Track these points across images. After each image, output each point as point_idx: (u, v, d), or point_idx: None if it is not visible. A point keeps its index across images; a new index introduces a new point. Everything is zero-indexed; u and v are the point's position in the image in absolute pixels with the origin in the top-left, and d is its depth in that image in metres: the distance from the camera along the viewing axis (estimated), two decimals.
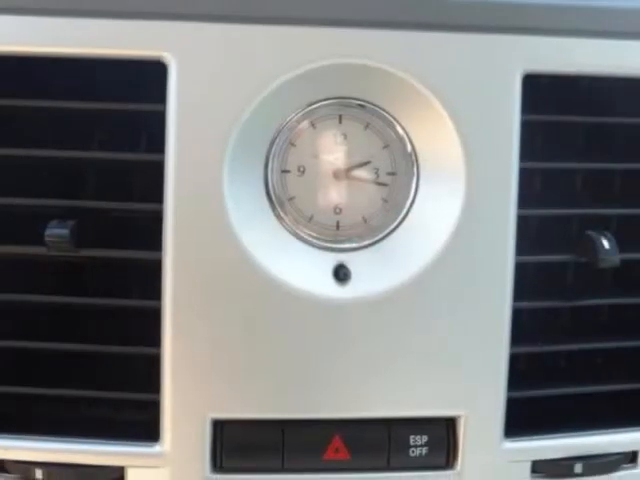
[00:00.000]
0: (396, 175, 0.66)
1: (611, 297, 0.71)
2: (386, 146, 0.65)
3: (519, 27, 0.64)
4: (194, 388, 0.64)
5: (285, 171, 0.65)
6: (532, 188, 0.68)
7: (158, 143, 0.62)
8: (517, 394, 0.67)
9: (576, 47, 0.64)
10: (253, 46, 0.62)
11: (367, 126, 0.65)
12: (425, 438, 0.66)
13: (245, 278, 0.63)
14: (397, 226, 0.66)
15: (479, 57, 0.63)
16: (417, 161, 0.65)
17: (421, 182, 0.65)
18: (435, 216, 0.65)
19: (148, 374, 0.64)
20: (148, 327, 0.64)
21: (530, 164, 0.66)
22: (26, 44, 0.61)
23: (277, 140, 0.64)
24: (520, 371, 0.68)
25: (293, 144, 0.65)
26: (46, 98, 0.63)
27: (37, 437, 0.64)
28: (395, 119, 0.65)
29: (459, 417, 0.66)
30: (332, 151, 0.65)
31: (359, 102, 0.65)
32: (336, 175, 0.65)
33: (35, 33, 0.61)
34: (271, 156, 0.64)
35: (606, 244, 0.65)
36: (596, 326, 0.72)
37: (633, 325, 0.70)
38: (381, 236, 0.66)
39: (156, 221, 0.62)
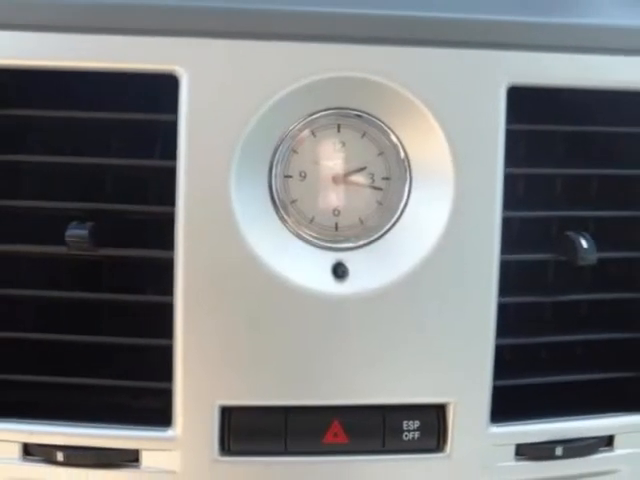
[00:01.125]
0: (390, 180, 0.66)
1: (589, 293, 0.71)
2: (381, 153, 0.65)
3: (504, 43, 0.64)
4: (204, 377, 0.64)
5: (288, 176, 0.65)
6: (516, 192, 0.69)
7: (170, 150, 0.62)
8: (502, 383, 0.67)
9: (556, 61, 0.65)
10: (258, 60, 0.62)
11: (364, 135, 0.65)
12: (417, 423, 0.66)
13: (251, 275, 0.63)
14: (391, 227, 0.66)
15: (467, 71, 0.64)
16: (410, 167, 0.65)
17: (413, 186, 0.66)
18: (426, 218, 0.65)
19: (161, 364, 0.64)
20: (161, 321, 0.63)
21: (514, 170, 0.66)
22: (52, 59, 0.61)
23: (280, 147, 0.64)
24: (505, 361, 0.68)
25: (295, 151, 0.65)
26: (70, 109, 0.63)
27: (59, 423, 0.64)
28: (389, 128, 0.65)
29: (448, 404, 0.66)
30: (331, 158, 0.65)
31: (356, 112, 0.65)
32: (335, 180, 0.65)
33: (60, 49, 0.61)
34: (275, 162, 0.64)
35: (584, 244, 0.66)
36: (575, 319, 0.72)
37: (609, 318, 0.71)
38: (376, 236, 0.66)
39: (168, 222, 0.62)
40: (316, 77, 0.62)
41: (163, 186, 0.63)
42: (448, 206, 0.64)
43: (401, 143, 0.65)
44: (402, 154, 0.65)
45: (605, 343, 0.71)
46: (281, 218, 0.65)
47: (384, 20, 0.63)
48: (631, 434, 0.70)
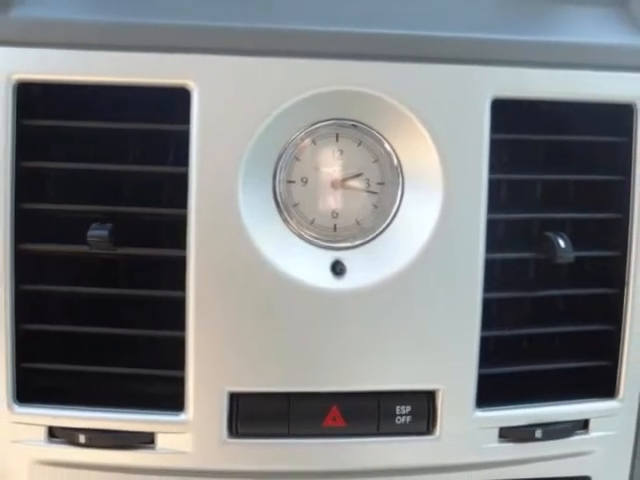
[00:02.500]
0: (384, 185, 0.67)
1: (566, 288, 0.72)
2: (376, 160, 0.66)
3: (489, 59, 0.65)
4: (213, 366, 0.64)
5: (290, 181, 0.66)
6: (500, 196, 0.69)
7: (183, 158, 0.63)
8: (487, 371, 0.68)
9: (537, 76, 0.66)
10: (263, 75, 0.63)
11: (360, 143, 0.66)
12: (409, 408, 0.66)
13: (256, 272, 0.63)
14: (385, 228, 0.67)
15: (455, 85, 0.64)
16: (402, 173, 0.66)
17: (405, 191, 0.66)
18: (417, 220, 0.66)
19: (174, 354, 0.64)
20: (174, 314, 0.64)
21: (498, 175, 0.66)
22: (76, 74, 0.62)
23: (284, 155, 0.65)
24: (490, 351, 0.68)
25: (297, 158, 0.66)
26: (92, 120, 0.64)
27: (81, 408, 0.65)
28: (384, 137, 0.66)
29: (438, 390, 0.67)
30: (330, 164, 0.66)
31: (353, 123, 0.65)
32: (333, 185, 0.66)
33: (83, 65, 0.62)
34: (279, 169, 0.65)
35: (562, 244, 0.67)
36: (554, 313, 0.73)
37: (585, 312, 0.72)
38: (372, 236, 0.67)
39: (181, 224, 0.63)
40: (317, 90, 0.63)
41: (176, 190, 0.64)
42: (437, 209, 0.65)
43: (394, 151, 0.66)
44: (395, 161, 0.66)
45: (581, 334, 0.72)
46: (284, 220, 0.66)
47: (379, 38, 0.64)
48: (605, 418, 0.71)
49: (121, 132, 0.65)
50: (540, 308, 0.73)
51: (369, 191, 0.67)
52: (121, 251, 0.64)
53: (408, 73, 0.64)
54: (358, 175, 0.67)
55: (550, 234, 0.68)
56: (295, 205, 0.66)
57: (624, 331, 0.70)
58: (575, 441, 0.71)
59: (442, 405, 0.67)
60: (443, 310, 0.66)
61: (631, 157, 0.69)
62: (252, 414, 0.66)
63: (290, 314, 0.65)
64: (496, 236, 0.68)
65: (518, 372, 0.70)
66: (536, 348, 0.73)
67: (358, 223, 0.67)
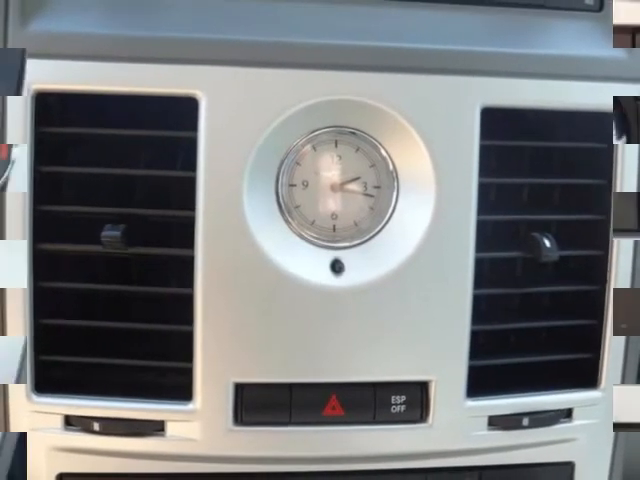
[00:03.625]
0: (381, 188, 0.68)
1: (551, 285, 0.73)
2: (373, 165, 0.67)
3: (479, 70, 0.66)
4: (220, 358, 0.65)
5: (292, 185, 0.67)
6: (489, 198, 0.70)
7: (191, 163, 0.64)
8: (477, 363, 0.69)
9: (524, 86, 0.67)
10: (267, 85, 0.64)
11: (358, 149, 0.67)
12: (403, 398, 0.68)
13: (260, 271, 0.64)
14: (382, 229, 0.68)
15: (446, 94, 0.66)
16: (397, 177, 0.67)
17: (400, 194, 0.67)
18: (411, 221, 0.67)
19: (183, 347, 0.65)
20: (183, 310, 0.65)
21: (487, 179, 0.67)
22: (91, 84, 0.63)
23: (286, 160, 0.66)
24: (479, 344, 0.69)
25: (298, 163, 0.67)
26: (107, 127, 0.65)
27: (96, 397, 0.66)
28: (380, 143, 0.67)
29: (430, 381, 0.68)
30: (330, 169, 0.67)
31: (351, 130, 0.66)
32: (333, 188, 0.67)
33: (98, 75, 0.63)
34: (281, 173, 0.66)
35: (547, 243, 0.68)
36: (540, 308, 0.74)
37: (569, 307, 0.73)
38: (369, 237, 0.68)
39: (189, 225, 0.64)
40: (317, 100, 0.64)
41: (185, 194, 0.65)
42: (430, 211, 0.66)
43: (390, 157, 0.67)
44: (391, 166, 0.67)
45: (565, 329, 0.73)
46: (286, 221, 0.67)
47: (376, 51, 0.65)
48: (587, 407, 0.72)
49: (133, 138, 0.66)
50: (527, 304, 0.74)
51: (366, 194, 0.68)
52: (133, 250, 0.65)
53: (403, 83, 0.65)
54: (356, 179, 0.67)
55: (536, 234, 0.69)
56: (296, 207, 0.67)
57: (605, 325, 0.71)
58: (559, 429, 0.72)
59: (435, 395, 0.68)
60: (436, 306, 0.67)
61: (612, 162, 0.70)
62: (256, 403, 0.67)
63: (292, 310, 0.65)
64: (485, 236, 0.68)
65: (506, 364, 0.71)
66: (523, 341, 0.74)
67: (356, 224, 0.68)
